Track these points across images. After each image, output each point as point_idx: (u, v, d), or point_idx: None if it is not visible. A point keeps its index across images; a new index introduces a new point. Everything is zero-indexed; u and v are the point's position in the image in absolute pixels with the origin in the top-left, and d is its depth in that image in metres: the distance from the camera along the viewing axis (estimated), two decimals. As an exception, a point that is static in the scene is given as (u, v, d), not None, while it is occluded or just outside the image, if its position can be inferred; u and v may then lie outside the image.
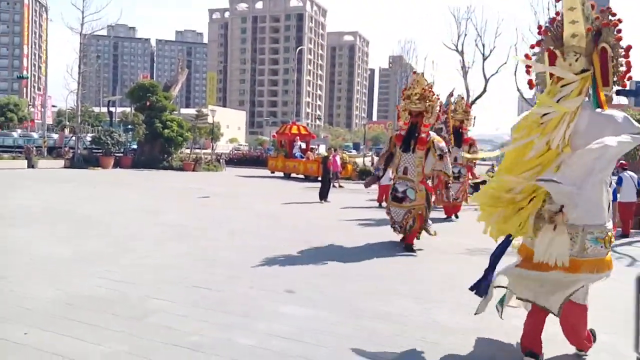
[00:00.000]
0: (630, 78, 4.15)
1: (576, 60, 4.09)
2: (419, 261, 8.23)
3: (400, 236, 9.31)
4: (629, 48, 4.06)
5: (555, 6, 4.49)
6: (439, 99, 9.28)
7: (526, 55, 4.61)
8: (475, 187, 20.87)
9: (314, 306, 5.48)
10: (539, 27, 4.55)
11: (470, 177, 14.57)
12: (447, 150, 9.34)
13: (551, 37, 4.32)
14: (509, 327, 5.18)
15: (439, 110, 9.50)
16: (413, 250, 8.81)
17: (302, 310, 5.35)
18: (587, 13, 4.01)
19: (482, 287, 4.79)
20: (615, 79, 4.12)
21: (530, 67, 4.48)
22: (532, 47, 4.59)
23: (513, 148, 4.32)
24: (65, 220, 10.32)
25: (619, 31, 4.03)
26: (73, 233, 8.99)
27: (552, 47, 4.29)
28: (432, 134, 9.20)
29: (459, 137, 13.96)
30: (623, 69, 4.09)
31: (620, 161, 12.56)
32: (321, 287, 6.28)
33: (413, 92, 8.91)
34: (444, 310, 5.62)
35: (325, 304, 5.57)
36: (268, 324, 4.87)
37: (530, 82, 4.56)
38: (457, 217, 13.65)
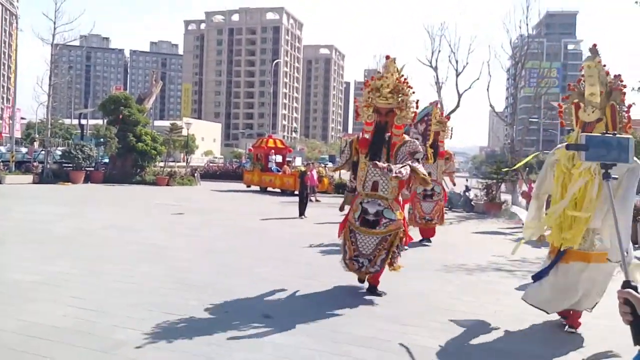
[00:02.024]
0: (630, 127, 5.73)
1: (592, 112, 5.60)
2: (395, 280, 8.07)
3: (361, 276, 7.20)
4: (629, 106, 5.68)
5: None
6: (414, 92, 6.96)
7: (559, 105, 6.25)
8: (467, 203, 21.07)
9: (293, 332, 5.30)
10: (569, 84, 6.09)
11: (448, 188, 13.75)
12: (424, 154, 8.04)
13: (577, 93, 5.88)
14: (490, 350, 5.10)
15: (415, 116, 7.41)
16: (379, 294, 6.98)
17: (280, 336, 5.16)
18: (602, 79, 5.55)
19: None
20: (620, 126, 5.60)
21: (561, 111, 6.11)
22: (563, 98, 6.33)
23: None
24: (33, 240, 9.96)
25: (624, 94, 5.60)
26: (40, 255, 8.65)
27: (577, 101, 5.86)
28: (407, 136, 7.09)
29: (434, 150, 12.26)
30: (625, 120, 5.65)
31: None
32: (299, 311, 6.11)
33: (384, 82, 6.78)
34: (423, 332, 5.49)
35: (303, 329, 5.40)
36: (246, 354, 4.68)
37: (561, 124, 6.18)
38: (429, 241, 11.95)
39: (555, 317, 6.22)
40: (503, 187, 21.94)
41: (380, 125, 6.89)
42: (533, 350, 5.19)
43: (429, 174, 11.67)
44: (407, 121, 7.01)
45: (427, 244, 11.80)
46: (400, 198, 7.15)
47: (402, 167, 6.40)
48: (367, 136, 6.99)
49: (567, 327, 5.82)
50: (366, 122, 6.97)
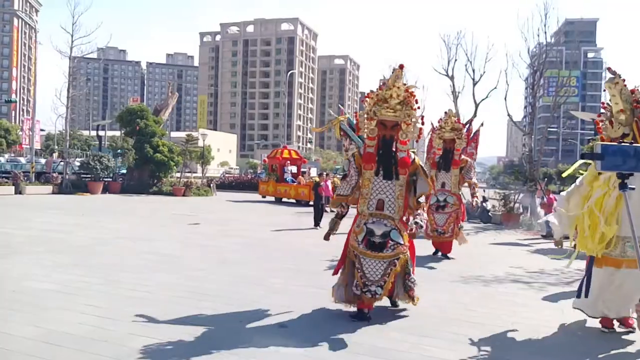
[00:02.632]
0: None
1: (619, 128, 5.98)
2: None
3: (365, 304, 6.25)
4: None
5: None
6: (419, 107, 6.70)
7: (596, 121, 6.59)
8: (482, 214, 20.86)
9: (309, 342, 5.27)
10: (602, 103, 6.51)
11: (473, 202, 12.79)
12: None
13: (608, 110, 6.28)
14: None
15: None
16: (367, 318, 6.14)
17: (295, 346, 5.14)
18: (624, 98, 5.94)
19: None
20: None
21: (600, 127, 6.41)
22: (598, 115, 6.62)
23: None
24: (51, 250, 10.05)
25: None
26: (58, 264, 8.72)
27: (608, 118, 6.24)
28: (412, 153, 6.69)
29: (447, 159, 11.48)
30: None
31: None
32: (314, 321, 6.08)
33: (394, 93, 6.27)
34: (440, 344, 5.43)
35: (318, 339, 5.36)
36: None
37: (601, 138, 6.31)
38: (446, 257, 11.22)
39: (572, 328, 6.14)
40: (521, 196, 21.73)
41: (386, 139, 6.39)
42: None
43: (443, 184, 11.47)
44: (413, 137, 6.49)
45: (443, 258, 11.16)
46: (411, 220, 6.57)
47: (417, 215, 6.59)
48: (370, 150, 6.42)
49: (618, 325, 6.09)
50: (368, 137, 6.44)
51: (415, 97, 6.41)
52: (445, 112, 11.86)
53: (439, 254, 11.38)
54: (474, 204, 12.95)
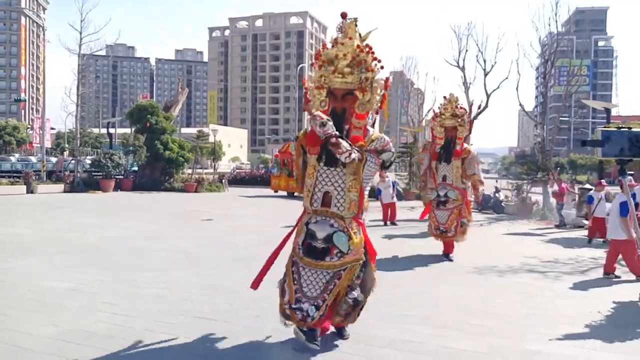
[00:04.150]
0: None
1: None
2: (427, 284, 8.01)
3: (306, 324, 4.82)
4: None
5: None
6: (383, 67, 4.83)
7: None
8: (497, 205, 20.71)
9: (325, 335, 5.25)
10: None
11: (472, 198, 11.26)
12: (393, 154, 4.98)
13: None
14: (524, 352, 5.02)
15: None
16: (313, 339, 4.86)
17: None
18: None
19: None
20: None
21: None
22: None
23: None
24: (66, 249, 10.13)
25: None
26: (73, 263, 8.78)
27: None
28: (372, 129, 5.04)
29: (448, 149, 10.27)
30: None
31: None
32: (329, 315, 6.08)
33: (340, 51, 4.76)
34: (457, 335, 5.42)
35: (336, 332, 5.36)
36: (279, 357, 4.68)
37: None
38: (448, 258, 10.11)
39: (588, 318, 6.12)
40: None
41: (337, 114, 4.82)
42: (567, 352, 5.08)
43: (444, 177, 10.23)
44: (372, 108, 4.89)
45: (446, 259, 10.03)
46: (363, 216, 5.10)
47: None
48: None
49: None
50: (320, 111, 4.82)
51: (373, 52, 4.80)
52: (445, 97, 10.62)
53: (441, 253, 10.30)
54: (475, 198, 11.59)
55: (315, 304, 4.70)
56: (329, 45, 4.92)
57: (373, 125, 5.12)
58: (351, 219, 4.84)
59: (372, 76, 4.76)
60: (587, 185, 17.43)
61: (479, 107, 24.33)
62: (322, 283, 4.75)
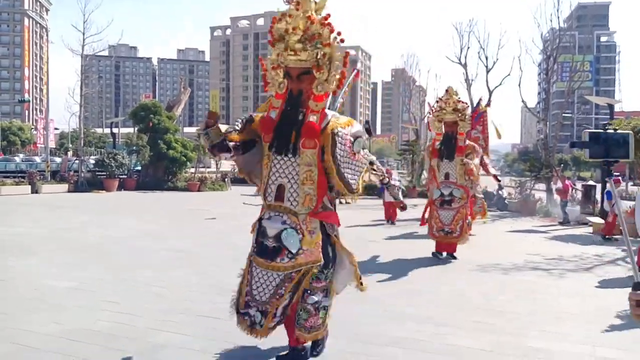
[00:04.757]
0: None
1: None
2: (428, 280, 7.99)
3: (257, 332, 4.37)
4: None
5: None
6: (342, 40, 4.18)
7: None
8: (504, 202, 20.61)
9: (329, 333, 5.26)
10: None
11: (476, 196, 11.31)
12: (363, 140, 4.33)
13: None
14: (527, 349, 5.00)
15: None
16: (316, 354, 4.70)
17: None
18: None
19: None
20: None
21: None
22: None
23: None
24: (68, 248, 10.13)
25: None
26: (75, 262, 8.79)
27: None
28: (331, 113, 4.31)
29: (450, 145, 9.78)
30: None
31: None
32: (332, 313, 6.05)
33: (289, 25, 4.09)
34: (460, 332, 5.41)
35: (337, 330, 5.34)
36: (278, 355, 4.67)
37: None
38: (453, 257, 9.79)
39: (592, 316, 6.09)
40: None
41: (293, 96, 4.21)
42: (571, 349, 5.06)
43: (447, 174, 9.73)
44: (329, 88, 4.22)
45: (451, 259, 9.74)
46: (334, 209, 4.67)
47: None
48: (273, 115, 4.25)
49: None
50: (277, 94, 4.28)
51: (329, 24, 4.08)
52: (447, 90, 10.17)
53: (444, 254, 9.86)
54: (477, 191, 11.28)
55: (263, 309, 4.19)
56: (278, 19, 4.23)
57: (342, 111, 4.61)
58: (306, 215, 4.21)
59: (329, 51, 4.08)
60: (591, 182, 17.38)
61: (487, 104, 24.34)
62: (272, 287, 4.17)
